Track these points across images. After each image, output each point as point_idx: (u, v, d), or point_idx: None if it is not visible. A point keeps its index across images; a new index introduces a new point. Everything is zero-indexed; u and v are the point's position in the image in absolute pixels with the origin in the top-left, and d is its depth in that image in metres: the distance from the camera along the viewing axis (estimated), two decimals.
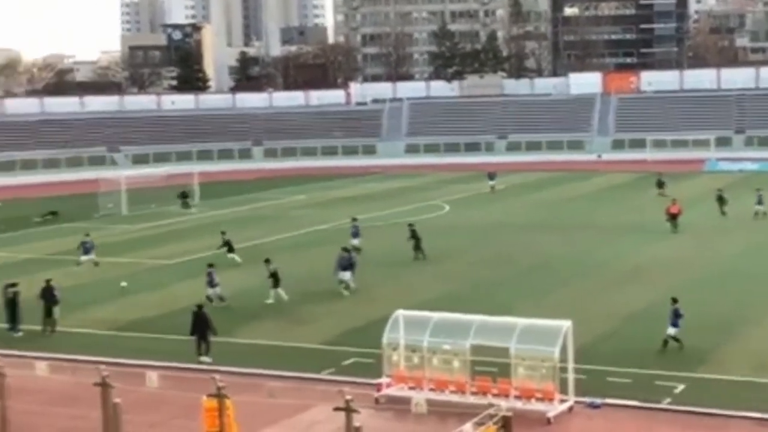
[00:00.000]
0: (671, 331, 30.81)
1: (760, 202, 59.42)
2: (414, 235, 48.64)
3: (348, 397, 18.76)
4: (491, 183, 79.22)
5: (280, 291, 39.02)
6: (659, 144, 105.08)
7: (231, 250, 47.89)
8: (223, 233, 49.57)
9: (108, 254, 51.78)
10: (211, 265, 39.55)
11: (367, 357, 29.79)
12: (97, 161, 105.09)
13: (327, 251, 48.77)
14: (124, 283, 42.65)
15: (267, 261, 40.00)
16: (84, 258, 47.70)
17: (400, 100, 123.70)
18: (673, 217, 54.59)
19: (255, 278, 42.67)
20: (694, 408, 25.46)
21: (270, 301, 38.67)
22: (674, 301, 31.32)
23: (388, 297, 37.06)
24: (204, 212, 70.12)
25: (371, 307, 36.83)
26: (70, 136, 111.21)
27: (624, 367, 28.95)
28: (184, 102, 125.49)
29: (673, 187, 73.00)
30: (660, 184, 71.88)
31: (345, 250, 41.80)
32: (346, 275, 40.04)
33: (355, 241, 49.22)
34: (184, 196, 72.10)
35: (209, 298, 37.80)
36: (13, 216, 70.28)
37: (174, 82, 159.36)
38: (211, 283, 38.45)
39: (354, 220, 51.99)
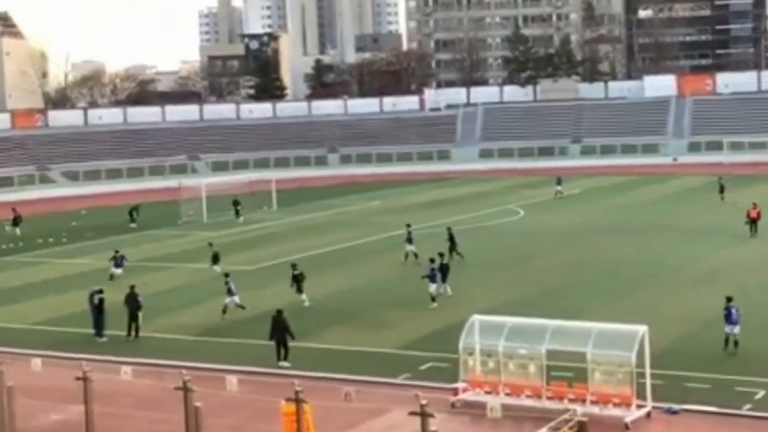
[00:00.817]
0: (736, 330, 30.74)
1: None
2: (451, 238, 49.10)
3: (423, 401, 18.96)
4: (558, 188, 78.53)
5: (303, 296, 39.75)
6: (736, 146, 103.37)
7: (216, 261, 47.74)
8: (210, 245, 50.09)
9: (190, 260, 52.76)
10: (227, 275, 39.85)
11: (443, 362, 29.95)
12: (179, 169, 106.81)
13: (400, 257, 49.21)
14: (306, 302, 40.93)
15: (293, 266, 41.23)
16: (116, 271, 47.55)
17: (474, 105, 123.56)
18: (753, 221, 53.59)
19: (334, 283, 43.17)
20: None
21: (306, 303, 39.62)
22: (729, 300, 31.29)
23: (464, 301, 37.21)
24: (282, 218, 70.95)
25: (448, 312, 37.03)
26: (152, 145, 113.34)
27: (702, 372, 28.65)
28: (261, 110, 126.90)
29: (751, 190, 71.83)
30: (721, 189, 70.40)
31: (431, 260, 40.89)
32: (432, 288, 39.35)
33: (411, 247, 49.18)
34: (236, 204, 71.72)
35: (225, 308, 38.29)
36: (99, 223, 71.90)
37: (251, 91, 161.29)
38: (230, 292, 38.53)
39: (408, 226, 51.66)
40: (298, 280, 40.25)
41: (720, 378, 28.16)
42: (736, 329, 30.80)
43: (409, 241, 49.70)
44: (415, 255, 48.05)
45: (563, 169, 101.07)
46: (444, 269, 40.40)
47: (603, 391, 25.37)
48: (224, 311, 38.24)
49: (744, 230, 53.54)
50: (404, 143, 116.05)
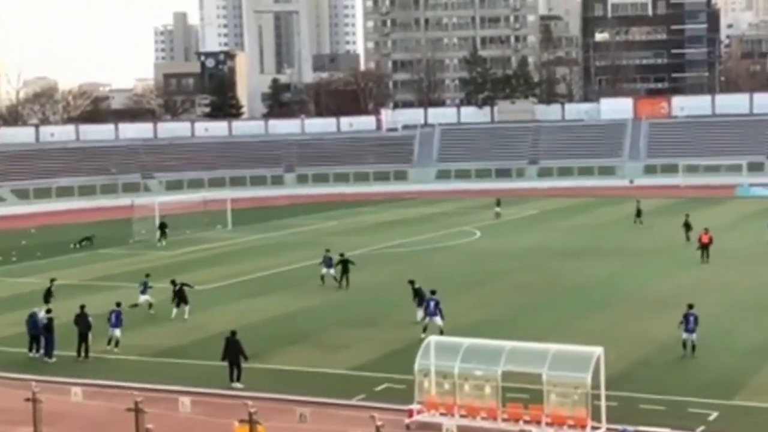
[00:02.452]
0: (694, 336, 32.55)
1: None
2: (344, 262, 48.31)
3: (378, 422, 18.82)
4: (497, 209, 78.48)
5: (185, 309, 41.53)
6: (691, 169, 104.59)
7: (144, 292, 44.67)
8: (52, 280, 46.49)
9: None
10: (147, 275, 43.28)
11: (398, 383, 29.83)
12: (132, 188, 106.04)
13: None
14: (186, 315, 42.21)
15: (173, 282, 42.69)
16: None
17: (431, 126, 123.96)
18: (704, 246, 53.07)
19: (289, 304, 42.90)
20: None
21: (172, 317, 41.28)
22: (690, 306, 33.05)
23: (420, 323, 37.05)
24: (237, 238, 70.54)
25: (403, 332, 36.87)
26: (105, 163, 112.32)
27: (657, 394, 28.78)
28: (217, 129, 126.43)
29: (705, 214, 72.64)
30: (638, 213, 70.81)
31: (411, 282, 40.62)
32: (419, 314, 38.11)
33: (331, 271, 48.58)
34: (163, 227, 69.90)
35: (135, 305, 40.89)
36: (49, 242, 71.03)
37: (207, 109, 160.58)
38: (144, 291, 41.58)
39: (327, 251, 50.57)
40: (180, 296, 41.66)
41: (674, 400, 28.28)
42: (694, 336, 32.53)
43: (328, 265, 48.86)
44: (334, 278, 47.80)
45: (520, 191, 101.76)
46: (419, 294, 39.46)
47: (558, 413, 25.37)
48: (136, 306, 41.34)
49: (695, 255, 53.73)
50: (361, 163, 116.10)
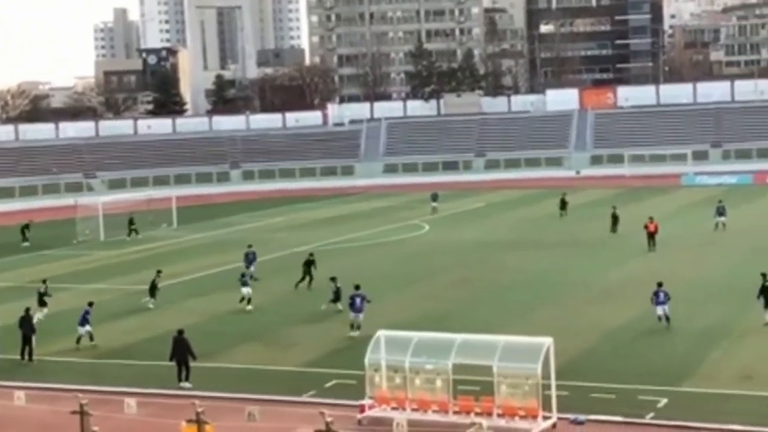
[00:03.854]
0: (666, 308, 35.08)
1: (720, 214, 59.51)
2: (309, 264, 46.70)
3: (329, 418, 18.60)
4: (434, 204, 77.35)
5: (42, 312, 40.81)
6: (637, 159, 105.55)
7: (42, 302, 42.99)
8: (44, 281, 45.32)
9: (87, 281, 51.41)
10: (90, 304, 37.35)
11: (349, 378, 29.65)
12: (74, 187, 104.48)
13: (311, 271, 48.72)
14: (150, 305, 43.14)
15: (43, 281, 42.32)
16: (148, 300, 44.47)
17: (377, 120, 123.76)
18: (650, 235, 53.70)
19: (236, 302, 42.48)
20: (678, 422, 25.44)
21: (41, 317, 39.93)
22: (659, 285, 35.49)
23: (370, 318, 36.77)
24: (182, 236, 69.81)
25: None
26: (46, 163, 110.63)
27: (607, 382, 28.91)
28: (160, 126, 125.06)
29: (651, 203, 73.28)
30: (563, 205, 70.90)
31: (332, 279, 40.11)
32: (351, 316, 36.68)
33: (251, 269, 47.78)
34: (131, 222, 69.93)
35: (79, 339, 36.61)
36: None
37: (150, 107, 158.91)
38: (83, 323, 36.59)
39: (249, 246, 50.12)
40: (41, 299, 41.33)
41: (624, 388, 28.43)
42: (666, 308, 35.15)
43: (250, 262, 48.54)
44: (253, 278, 46.54)
45: (467, 184, 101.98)
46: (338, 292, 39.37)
47: (509, 404, 25.37)
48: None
49: (643, 244, 54.13)
50: (307, 159, 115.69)
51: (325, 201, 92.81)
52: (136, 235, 69.10)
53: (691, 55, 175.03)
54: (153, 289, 43.70)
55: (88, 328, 36.48)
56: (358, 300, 36.18)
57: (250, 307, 40.91)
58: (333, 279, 40.10)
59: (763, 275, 34.93)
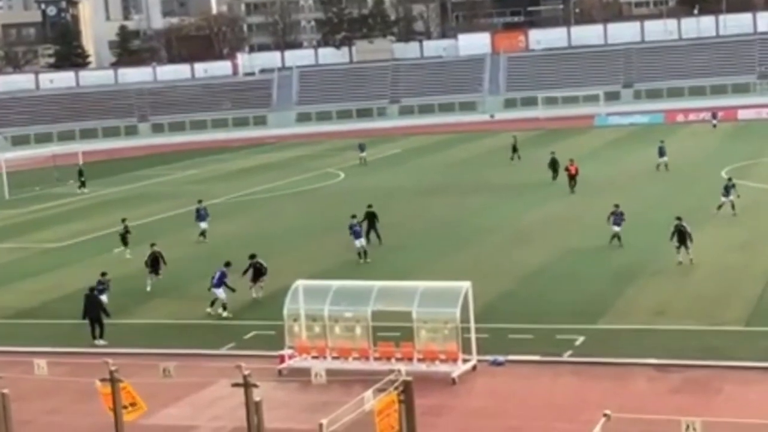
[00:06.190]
0: (616, 229, 37.98)
1: (662, 155, 59.79)
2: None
3: (246, 371, 18.23)
4: (362, 155, 74.97)
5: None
6: (550, 101, 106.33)
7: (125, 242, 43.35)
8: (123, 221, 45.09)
9: None
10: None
11: (268, 329, 29.34)
12: None
13: (221, 225, 48.10)
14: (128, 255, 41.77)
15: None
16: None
17: (289, 68, 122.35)
18: (571, 177, 53.66)
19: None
20: (595, 358, 25.77)
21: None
22: (616, 206, 38.81)
23: (287, 268, 36.37)
24: (93, 192, 68.26)
25: (271, 279, 36.11)
26: None
27: (525, 323, 29.13)
28: (63, 80, 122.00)
29: (565, 144, 73.79)
30: (514, 149, 69.68)
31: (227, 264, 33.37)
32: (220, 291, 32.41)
33: (203, 224, 46.00)
34: (81, 174, 69.66)
35: None
36: None
37: (52, 60, 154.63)
38: None
39: (200, 202, 48.09)
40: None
41: (542, 328, 28.68)
42: (619, 228, 38.02)
43: (202, 218, 46.30)
44: (203, 234, 45.64)
45: (382, 131, 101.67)
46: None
47: (430, 349, 25.39)
48: None
49: (561, 186, 54.36)
50: (218, 110, 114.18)
51: (238, 152, 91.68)
52: (82, 187, 68.32)
53: None
54: (125, 239, 42.75)
55: None
56: (218, 274, 32.21)
57: (225, 313, 32.76)
58: (252, 256, 34.84)
59: (678, 218, 35.20)
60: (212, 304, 32.54)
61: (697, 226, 37.11)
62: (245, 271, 34.04)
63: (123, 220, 44.50)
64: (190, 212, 54.05)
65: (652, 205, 47.75)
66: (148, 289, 36.50)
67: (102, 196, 66.56)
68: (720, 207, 43.47)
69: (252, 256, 34.45)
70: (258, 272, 34.02)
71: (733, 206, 43.28)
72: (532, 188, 56.16)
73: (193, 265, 40.50)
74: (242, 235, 46.43)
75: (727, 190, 43.76)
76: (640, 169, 60.19)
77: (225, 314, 32.13)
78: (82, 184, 69.13)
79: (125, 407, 19.69)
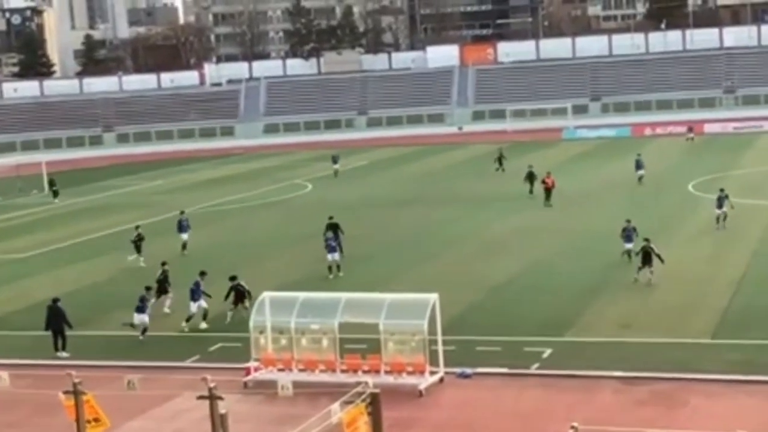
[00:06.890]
0: (629, 246, 36.92)
1: (639, 167, 59.75)
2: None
3: (212, 384, 18.00)
4: (335, 166, 74.42)
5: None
6: (518, 114, 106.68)
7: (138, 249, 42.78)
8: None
9: None
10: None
11: (234, 341, 29.09)
12: None
13: (191, 235, 47.68)
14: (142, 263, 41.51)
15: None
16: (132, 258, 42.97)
17: (256, 79, 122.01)
18: (547, 191, 53.02)
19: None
20: (563, 371, 25.72)
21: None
22: (628, 221, 37.85)
23: (254, 280, 36.01)
24: (60, 202, 67.63)
25: None
26: None
27: (493, 335, 29.03)
28: (27, 89, 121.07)
29: (533, 157, 73.81)
30: (500, 161, 69.18)
31: (202, 273, 33.42)
32: (195, 305, 32.20)
33: (184, 236, 45.29)
34: (52, 184, 69.36)
35: None
36: None
37: (16, 69, 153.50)
38: None
39: (182, 213, 47.61)
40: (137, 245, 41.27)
41: (509, 340, 28.60)
42: (632, 245, 36.78)
43: (183, 229, 45.60)
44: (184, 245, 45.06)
45: (350, 142, 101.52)
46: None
47: (397, 361, 25.31)
48: None
49: (528, 200, 54.30)
50: (185, 120, 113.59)
51: (204, 163, 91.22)
52: (55, 197, 67.96)
53: (570, 10, 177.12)
54: (138, 246, 42.37)
55: None
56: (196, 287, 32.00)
57: (204, 325, 32.15)
58: (233, 278, 33.37)
59: (646, 240, 34.88)
60: (188, 320, 32.09)
61: (664, 239, 37.21)
62: (227, 296, 32.51)
63: (137, 227, 44.08)
64: (159, 222, 53.73)
65: (622, 217, 47.74)
66: (142, 264, 40.12)
67: (67, 206, 65.93)
68: (718, 220, 43.56)
69: (233, 278, 32.72)
70: (240, 295, 32.30)
71: (725, 218, 43.49)
72: (504, 200, 55.96)
73: (155, 277, 40.01)
74: (209, 246, 46.09)
75: (720, 201, 43.92)
76: (610, 182, 60.47)
77: (203, 326, 31.80)
78: (55, 194, 68.60)
79: (88, 422, 19.39)
